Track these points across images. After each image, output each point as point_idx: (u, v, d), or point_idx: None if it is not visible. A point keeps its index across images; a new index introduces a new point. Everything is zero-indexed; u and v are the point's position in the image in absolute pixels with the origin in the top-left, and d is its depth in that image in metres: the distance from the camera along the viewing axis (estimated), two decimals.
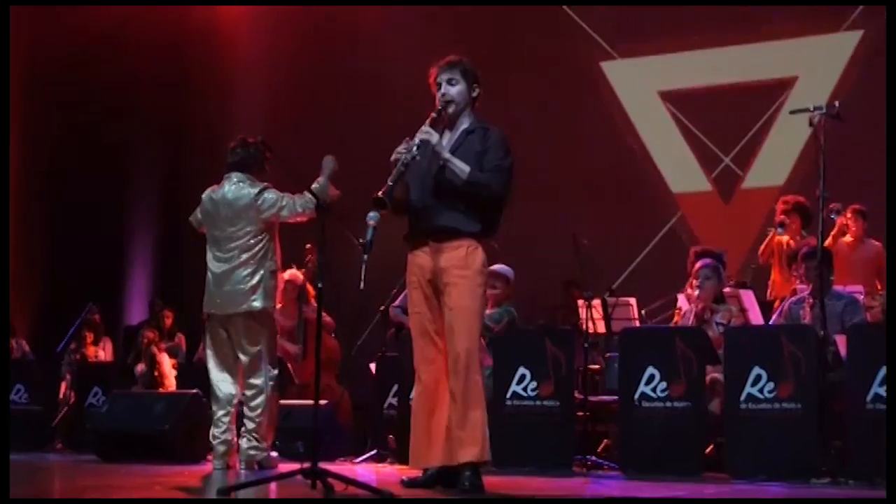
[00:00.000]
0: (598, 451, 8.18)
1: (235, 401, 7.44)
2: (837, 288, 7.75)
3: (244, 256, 7.31)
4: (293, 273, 9.59)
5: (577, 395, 7.83)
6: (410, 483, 5.68)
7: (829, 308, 7.16)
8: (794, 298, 7.77)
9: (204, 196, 7.55)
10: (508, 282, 8.65)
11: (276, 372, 7.53)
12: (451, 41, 6.34)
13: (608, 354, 8.73)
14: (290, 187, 7.30)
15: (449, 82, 5.70)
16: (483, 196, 5.57)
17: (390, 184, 5.41)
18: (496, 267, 8.59)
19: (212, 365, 7.46)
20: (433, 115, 5.64)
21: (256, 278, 7.30)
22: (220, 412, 7.37)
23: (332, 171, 7.18)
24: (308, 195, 6.96)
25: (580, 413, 7.86)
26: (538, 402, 7.56)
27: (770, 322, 7.91)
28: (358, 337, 9.19)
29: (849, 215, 9.11)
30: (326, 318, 9.58)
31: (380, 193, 5.37)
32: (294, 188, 7.26)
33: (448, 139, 5.68)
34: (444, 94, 5.68)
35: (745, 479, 6.63)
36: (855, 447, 6.64)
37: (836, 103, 7.25)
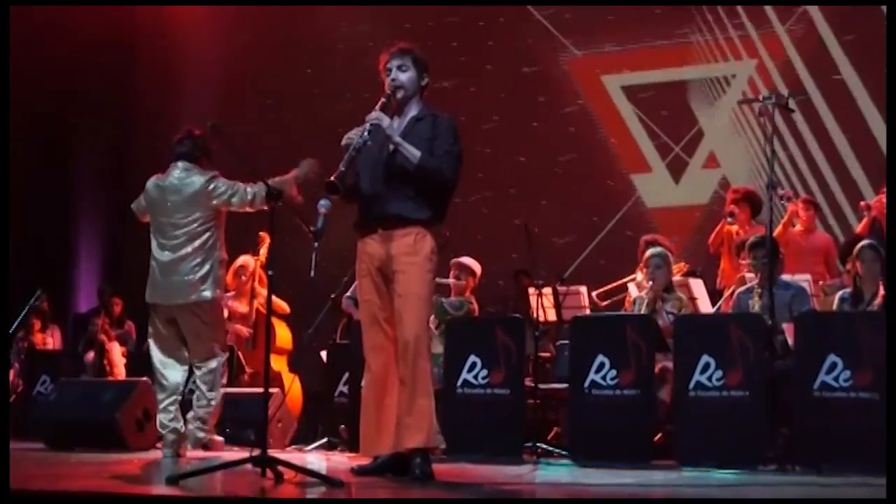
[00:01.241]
0: (549, 438, 8.21)
1: (181, 388, 7.40)
2: (785, 277, 7.81)
3: (192, 246, 7.21)
4: (246, 259, 9.58)
5: (527, 382, 7.85)
6: (360, 470, 5.67)
7: (777, 297, 7.22)
8: (742, 288, 7.82)
9: (149, 184, 7.44)
10: (474, 275, 8.79)
11: (224, 358, 7.53)
12: (409, 37, 6.26)
13: (559, 342, 8.77)
14: (241, 179, 7.22)
15: (399, 68, 5.68)
16: (434, 181, 5.54)
17: (342, 168, 5.40)
18: (465, 260, 8.79)
19: (156, 354, 7.37)
20: (382, 100, 5.61)
21: (206, 268, 7.22)
22: (167, 400, 7.30)
23: (305, 173, 6.99)
24: (261, 185, 6.83)
25: (531, 401, 7.88)
26: (489, 390, 7.57)
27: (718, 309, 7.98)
28: (309, 325, 9.16)
29: (800, 205, 9.21)
30: (282, 305, 9.56)
31: (332, 178, 5.35)
32: (245, 180, 7.18)
33: (397, 126, 5.64)
34: (393, 80, 5.66)
35: (694, 466, 6.66)
36: (802, 434, 6.69)
37: (786, 94, 7.30)
